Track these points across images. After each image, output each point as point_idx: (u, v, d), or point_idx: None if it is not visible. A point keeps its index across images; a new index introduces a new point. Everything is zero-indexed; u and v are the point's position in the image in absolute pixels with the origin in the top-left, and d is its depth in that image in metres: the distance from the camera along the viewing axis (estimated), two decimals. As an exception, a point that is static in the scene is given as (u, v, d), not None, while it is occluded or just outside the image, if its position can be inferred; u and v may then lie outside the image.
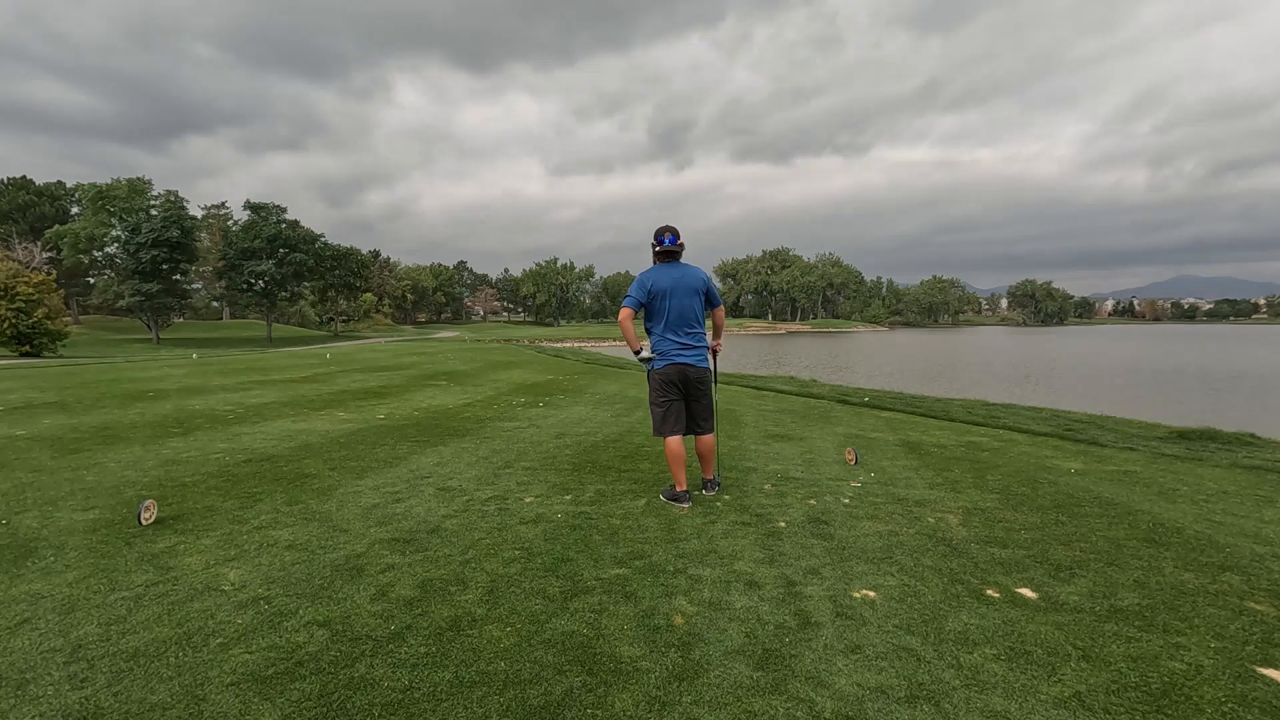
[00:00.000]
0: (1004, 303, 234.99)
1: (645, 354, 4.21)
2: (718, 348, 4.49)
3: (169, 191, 56.28)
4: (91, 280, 64.46)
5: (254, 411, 8.66)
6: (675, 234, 4.19)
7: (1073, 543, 3.47)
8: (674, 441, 4.16)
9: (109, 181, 55.93)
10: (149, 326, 54.44)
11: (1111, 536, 3.59)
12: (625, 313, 4.12)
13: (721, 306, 4.39)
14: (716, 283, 4.45)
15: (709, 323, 4.36)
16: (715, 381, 4.44)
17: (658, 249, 4.18)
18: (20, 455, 5.70)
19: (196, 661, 2.23)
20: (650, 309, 4.18)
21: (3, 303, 30.73)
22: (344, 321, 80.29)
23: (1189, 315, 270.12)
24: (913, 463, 5.57)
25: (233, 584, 2.87)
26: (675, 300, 4.10)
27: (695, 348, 4.18)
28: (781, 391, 12.57)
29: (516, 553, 3.25)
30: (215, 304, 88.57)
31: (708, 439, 4.30)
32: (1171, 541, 3.53)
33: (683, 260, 4.25)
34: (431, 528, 3.66)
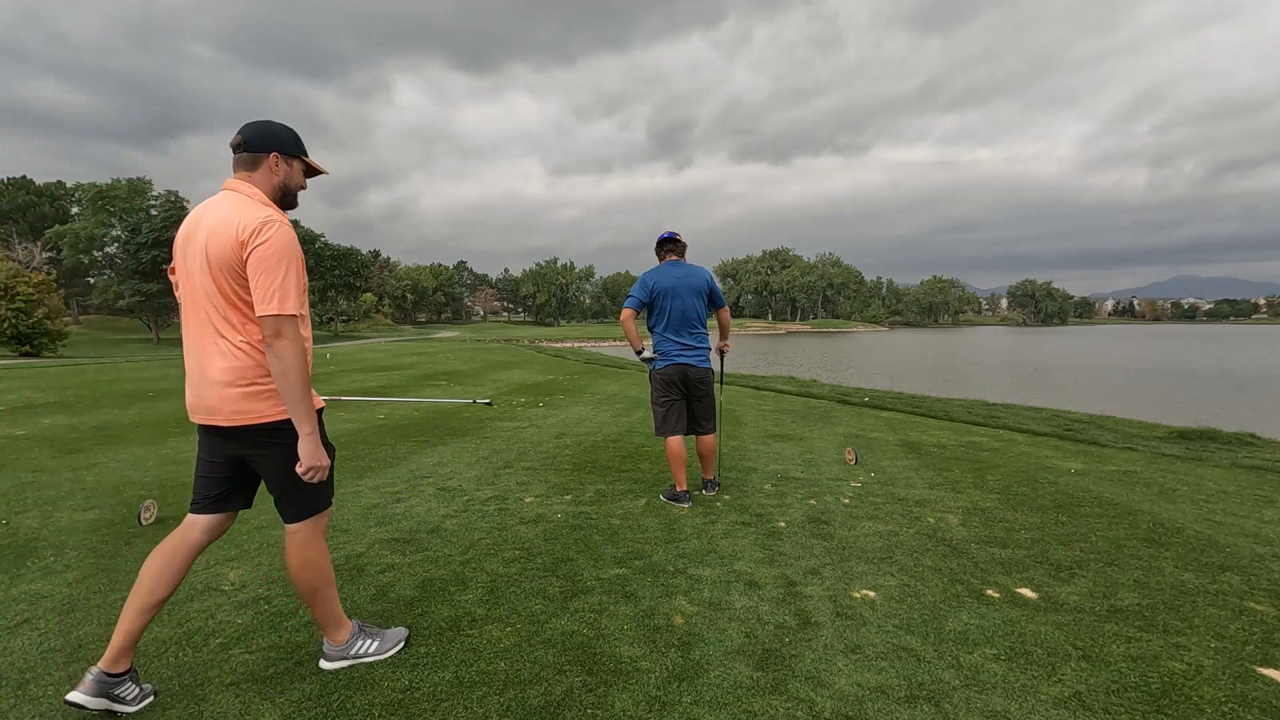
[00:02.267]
0: (1004, 303, 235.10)
1: (647, 354, 4.23)
2: (725, 348, 4.53)
3: (169, 191, 56.34)
4: (91, 280, 64.46)
5: (254, 411, 8.66)
6: (674, 233, 4.32)
7: (1073, 543, 3.47)
8: (675, 441, 4.16)
9: (109, 181, 55.94)
10: (149, 326, 54.45)
11: (1111, 536, 3.59)
12: (626, 313, 4.16)
13: (726, 307, 4.42)
14: (719, 284, 4.53)
15: (713, 323, 4.40)
16: (720, 382, 4.50)
17: (662, 242, 4.29)
18: (20, 455, 5.70)
19: (196, 661, 2.23)
20: (652, 308, 4.20)
21: (3, 303, 30.71)
22: (344, 321, 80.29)
23: (1189, 315, 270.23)
24: (913, 463, 5.57)
25: (233, 584, 2.87)
26: (677, 300, 4.12)
27: (697, 348, 4.19)
28: (781, 391, 12.57)
29: (516, 553, 3.25)
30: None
31: (709, 439, 4.31)
32: (1171, 541, 3.53)
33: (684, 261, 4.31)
34: (431, 528, 3.66)
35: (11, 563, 3.13)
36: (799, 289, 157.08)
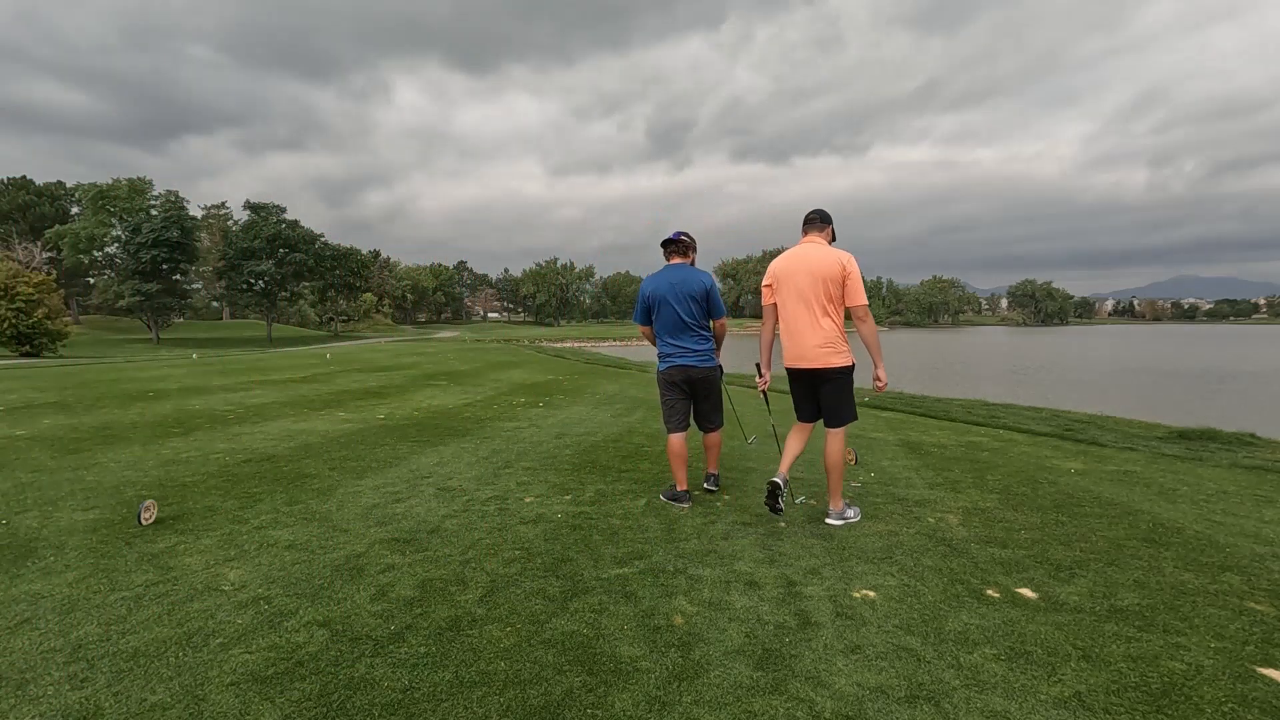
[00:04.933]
0: (1004, 303, 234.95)
1: None
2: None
3: (169, 191, 56.32)
4: (91, 280, 64.46)
5: (254, 411, 8.66)
6: (681, 233, 4.33)
7: (1073, 543, 3.47)
8: (676, 440, 4.18)
9: (109, 181, 55.92)
10: (149, 326, 54.37)
11: (1111, 536, 3.59)
12: (642, 329, 4.39)
13: (724, 318, 4.39)
14: (719, 291, 4.56)
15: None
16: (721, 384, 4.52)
17: (664, 243, 4.30)
18: (20, 455, 5.70)
19: (196, 661, 2.23)
20: (652, 314, 4.26)
21: (3, 303, 30.71)
22: (344, 321, 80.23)
23: (1189, 315, 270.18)
24: (913, 463, 5.57)
25: (233, 584, 2.87)
26: (667, 308, 4.18)
27: (696, 350, 4.19)
28: (782, 391, 12.57)
29: (516, 553, 3.25)
30: (215, 304, 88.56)
31: (714, 435, 4.37)
32: (1171, 541, 3.53)
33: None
34: (431, 528, 3.66)
35: (11, 563, 3.13)
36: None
